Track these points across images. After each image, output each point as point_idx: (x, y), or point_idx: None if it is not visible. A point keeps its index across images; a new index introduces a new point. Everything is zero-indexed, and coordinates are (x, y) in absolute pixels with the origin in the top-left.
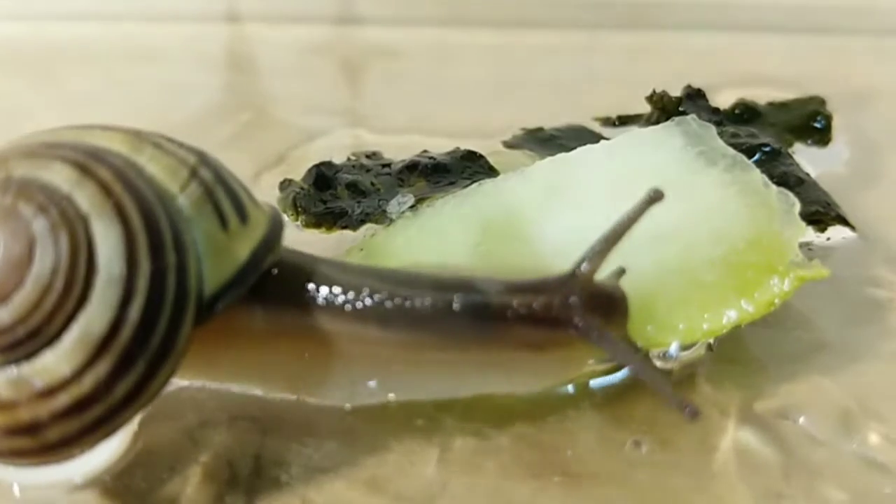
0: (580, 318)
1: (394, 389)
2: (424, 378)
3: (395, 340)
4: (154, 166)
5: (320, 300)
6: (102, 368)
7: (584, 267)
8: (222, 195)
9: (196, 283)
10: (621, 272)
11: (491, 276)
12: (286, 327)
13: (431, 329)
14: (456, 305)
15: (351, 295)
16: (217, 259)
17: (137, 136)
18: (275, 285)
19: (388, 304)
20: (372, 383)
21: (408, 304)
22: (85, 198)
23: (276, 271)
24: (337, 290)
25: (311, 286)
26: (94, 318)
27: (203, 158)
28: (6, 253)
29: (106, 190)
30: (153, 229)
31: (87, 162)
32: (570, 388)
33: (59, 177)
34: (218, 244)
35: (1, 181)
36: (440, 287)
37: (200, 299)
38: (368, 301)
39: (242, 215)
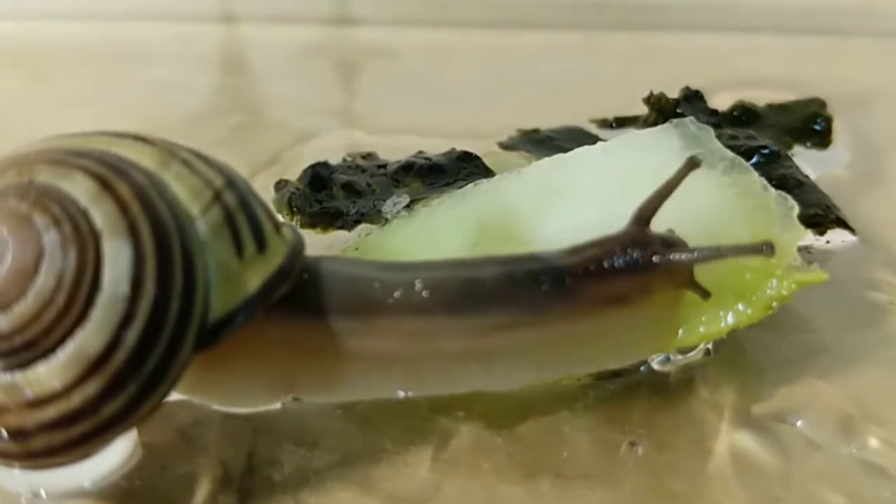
0: (652, 252)
1: (466, 384)
2: (501, 369)
3: (466, 327)
4: (178, 185)
5: (375, 302)
6: (93, 387)
7: (636, 221)
8: (243, 221)
9: (201, 309)
10: (671, 232)
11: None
12: (338, 336)
13: (503, 305)
14: (523, 275)
15: (406, 290)
16: (226, 286)
17: (167, 152)
18: (317, 295)
19: (452, 285)
20: (440, 383)
21: (472, 281)
22: (101, 214)
23: (317, 282)
24: (389, 287)
25: (358, 290)
26: (90, 337)
27: (231, 181)
28: (14, 261)
29: (123, 208)
30: (164, 254)
31: (110, 176)
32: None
33: (79, 189)
34: (229, 271)
35: (23, 185)
36: (500, 262)
37: (203, 326)
38: (428, 290)
39: (261, 243)
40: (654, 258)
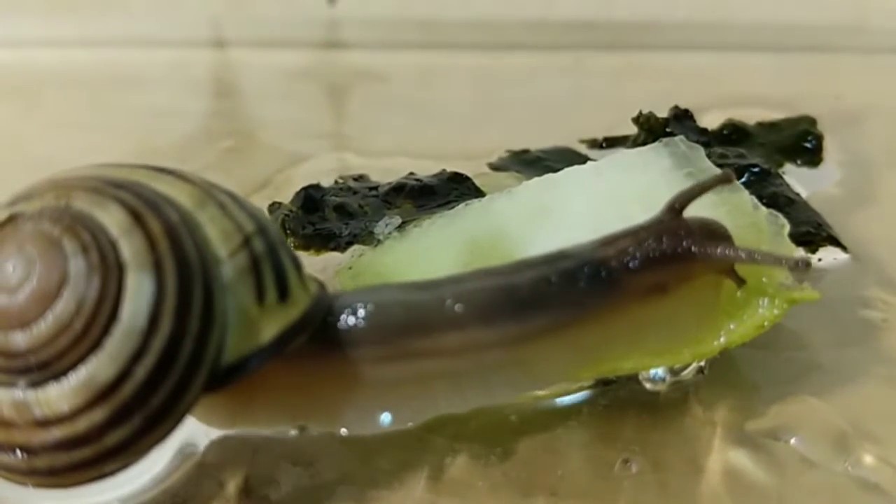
0: (689, 240)
1: (508, 391)
2: (541, 370)
3: (505, 336)
4: (211, 227)
5: (406, 325)
6: (98, 415)
7: (669, 210)
8: (268, 269)
9: (214, 351)
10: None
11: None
12: (372, 367)
13: (542, 308)
14: (558, 275)
15: (436, 307)
16: (243, 332)
17: (205, 192)
18: (343, 331)
19: (483, 296)
20: (483, 394)
21: (506, 289)
22: (129, 247)
23: (341, 318)
24: (418, 308)
25: (386, 317)
26: (102, 365)
27: (262, 228)
28: (38, 282)
29: (152, 244)
30: (185, 293)
31: (144, 211)
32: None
33: (112, 220)
34: (248, 318)
35: (59, 209)
36: (530, 265)
37: (215, 368)
38: (461, 303)
39: (283, 293)
40: (692, 248)
